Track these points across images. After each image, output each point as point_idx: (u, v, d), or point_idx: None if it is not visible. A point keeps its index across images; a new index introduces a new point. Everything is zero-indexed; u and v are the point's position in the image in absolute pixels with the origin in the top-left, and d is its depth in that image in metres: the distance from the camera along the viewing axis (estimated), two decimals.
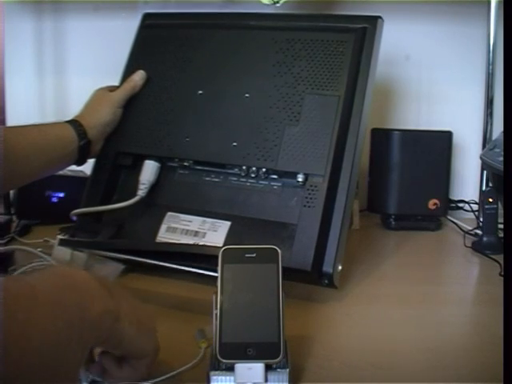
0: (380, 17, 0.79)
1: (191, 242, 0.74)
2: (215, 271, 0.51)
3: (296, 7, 1.10)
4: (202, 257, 0.68)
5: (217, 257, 0.52)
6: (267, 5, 1.04)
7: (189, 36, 0.86)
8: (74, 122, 0.79)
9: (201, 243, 0.73)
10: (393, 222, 1.08)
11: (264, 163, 0.74)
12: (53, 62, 1.30)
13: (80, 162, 0.82)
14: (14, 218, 1.05)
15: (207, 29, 0.86)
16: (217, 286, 0.50)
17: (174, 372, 0.53)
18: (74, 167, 0.84)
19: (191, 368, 0.54)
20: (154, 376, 0.52)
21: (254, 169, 0.75)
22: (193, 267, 0.70)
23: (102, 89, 0.86)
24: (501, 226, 0.93)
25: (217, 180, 0.79)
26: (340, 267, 0.71)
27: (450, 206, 1.14)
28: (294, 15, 0.94)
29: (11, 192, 1.07)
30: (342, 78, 0.75)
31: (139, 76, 0.85)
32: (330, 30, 0.78)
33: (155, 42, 0.88)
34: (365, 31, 0.77)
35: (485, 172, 1.10)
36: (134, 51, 0.89)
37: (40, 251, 0.81)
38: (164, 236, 0.76)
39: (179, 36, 0.87)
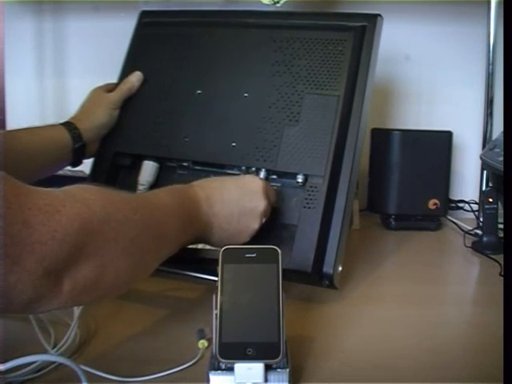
0: (379, 15, 0.78)
1: None
2: (216, 275, 0.51)
3: (296, 7, 1.09)
4: (204, 260, 0.68)
5: (217, 260, 0.52)
6: (268, 5, 1.04)
7: (186, 34, 0.85)
8: (69, 125, 0.78)
9: (199, 246, 0.73)
10: (393, 222, 1.08)
11: (263, 164, 0.74)
12: (53, 63, 1.30)
13: (75, 163, 0.81)
14: None
15: (205, 27, 0.86)
16: (217, 286, 0.50)
17: (174, 372, 0.53)
18: None
19: (191, 368, 0.54)
20: (153, 375, 0.52)
21: (253, 169, 0.75)
22: (194, 271, 0.70)
23: (98, 88, 0.85)
24: (501, 226, 0.93)
25: None
26: (340, 268, 0.71)
27: (450, 206, 1.14)
28: (292, 13, 0.93)
29: None
30: (341, 77, 0.74)
31: (136, 77, 0.85)
32: (329, 28, 0.78)
33: (152, 40, 0.88)
34: (364, 29, 0.77)
35: (485, 172, 1.10)
36: (132, 50, 0.89)
37: None
38: None
39: (177, 34, 0.86)
